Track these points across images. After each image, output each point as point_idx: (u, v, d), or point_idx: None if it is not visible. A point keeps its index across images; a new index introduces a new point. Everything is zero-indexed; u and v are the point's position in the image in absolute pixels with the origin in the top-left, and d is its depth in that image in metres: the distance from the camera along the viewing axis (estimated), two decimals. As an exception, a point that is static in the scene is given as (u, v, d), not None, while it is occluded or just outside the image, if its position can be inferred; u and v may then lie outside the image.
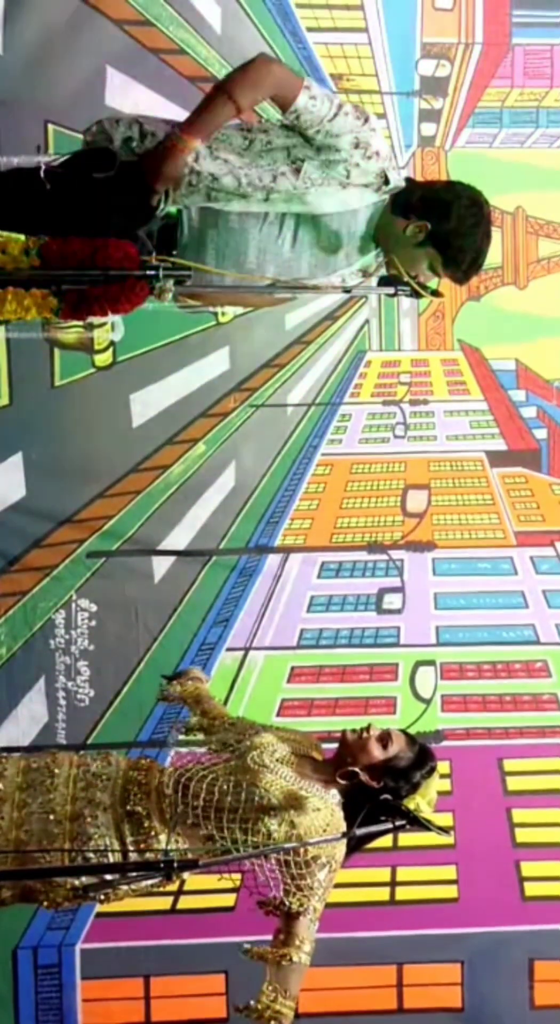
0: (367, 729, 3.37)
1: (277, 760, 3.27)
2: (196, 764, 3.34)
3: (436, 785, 3.37)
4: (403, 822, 3.28)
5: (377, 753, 3.33)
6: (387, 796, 3.29)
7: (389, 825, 3.28)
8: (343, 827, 3.25)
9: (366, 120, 3.40)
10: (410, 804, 3.30)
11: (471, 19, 5.90)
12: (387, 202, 3.52)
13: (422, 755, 3.39)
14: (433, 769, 3.37)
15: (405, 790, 3.30)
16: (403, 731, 3.43)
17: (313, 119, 3.35)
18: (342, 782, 3.30)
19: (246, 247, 3.52)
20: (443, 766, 5.45)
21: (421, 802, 3.31)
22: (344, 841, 3.24)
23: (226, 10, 5.57)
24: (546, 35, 5.95)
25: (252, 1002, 3.06)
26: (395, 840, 5.02)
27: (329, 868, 3.20)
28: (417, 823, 3.28)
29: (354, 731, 3.38)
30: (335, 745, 3.42)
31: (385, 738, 3.35)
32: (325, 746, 3.49)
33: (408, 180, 3.57)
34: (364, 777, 3.29)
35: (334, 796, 3.28)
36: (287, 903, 3.14)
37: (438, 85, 5.98)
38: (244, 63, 3.35)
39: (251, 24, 5.61)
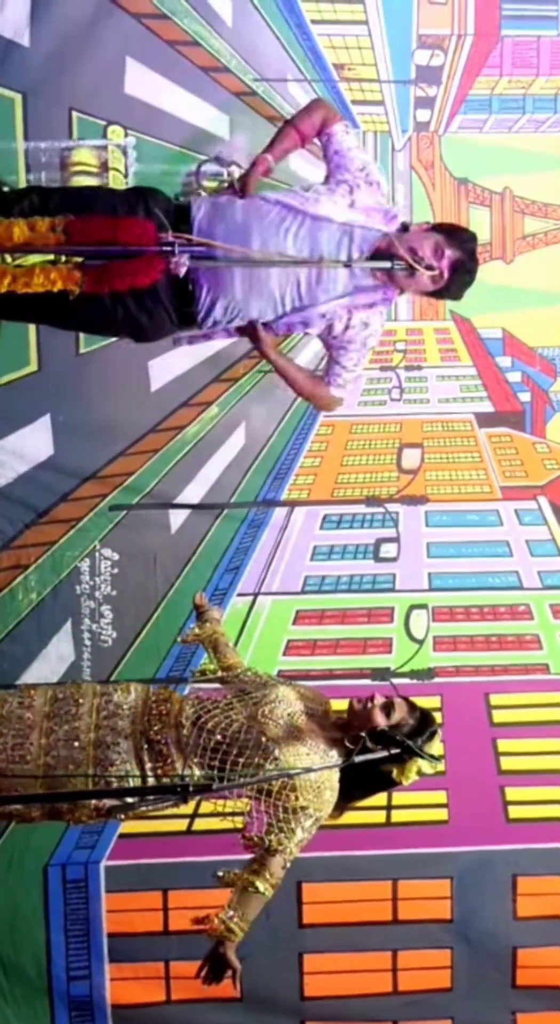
0: (372, 699, 3.32)
1: (288, 715, 3.27)
2: (214, 702, 3.35)
3: (438, 747, 3.32)
4: (397, 750, 3.20)
5: (381, 721, 3.27)
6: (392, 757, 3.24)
7: (384, 753, 3.20)
8: (336, 785, 3.25)
9: (372, 166, 3.69)
10: (412, 767, 3.26)
11: (464, 12, 5.81)
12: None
13: (423, 720, 3.34)
14: (434, 733, 3.33)
15: (408, 755, 3.24)
16: (405, 699, 3.37)
17: (340, 145, 3.62)
18: (350, 745, 3.25)
19: (249, 240, 3.53)
20: (434, 700, 5.43)
21: (423, 764, 3.27)
22: (333, 800, 3.25)
23: (236, 4, 5.51)
24: (533, 27, 5.86)
25: (211, 915, 3.14)
26: (389, 798, 5.07)
27: (314, 820, 3.22)
28: (410, 751, 3.21)
29: (360, 700, 3.33)
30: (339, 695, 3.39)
31: (388, 707, 3.30)
32: (328, 684, 3.47)
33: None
34: (370, 744, 3.22)
35: (333, 757, 3.27)
36: (267, 841, 3.17)
37: (432, 74, 5.89)
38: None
39: (259, 17, 5.56)
